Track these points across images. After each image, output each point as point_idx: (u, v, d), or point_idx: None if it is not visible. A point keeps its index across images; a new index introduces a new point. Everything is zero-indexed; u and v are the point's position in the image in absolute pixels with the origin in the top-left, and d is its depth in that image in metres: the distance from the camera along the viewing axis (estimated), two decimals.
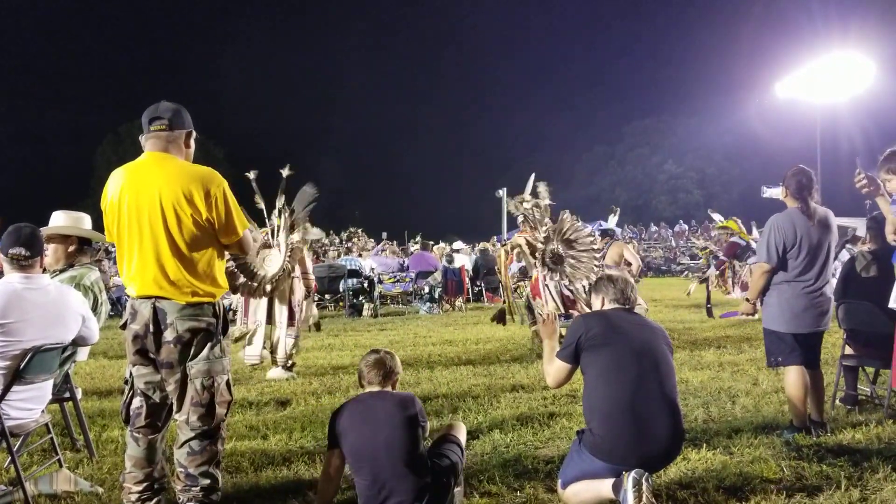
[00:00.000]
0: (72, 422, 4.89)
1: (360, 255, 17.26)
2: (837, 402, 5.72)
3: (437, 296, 14.98)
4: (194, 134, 3.56)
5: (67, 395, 4.67)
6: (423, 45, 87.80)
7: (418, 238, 24.44)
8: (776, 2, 63.25)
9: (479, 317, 13.73)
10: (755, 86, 47.28)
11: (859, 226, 8.12)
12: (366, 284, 15.05)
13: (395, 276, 15.60)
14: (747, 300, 4.97)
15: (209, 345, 3.37)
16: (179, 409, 3.38)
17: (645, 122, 63.44)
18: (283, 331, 7.84)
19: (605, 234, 10.78)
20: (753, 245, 13.85)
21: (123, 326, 3.43)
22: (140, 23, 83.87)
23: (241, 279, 7.36)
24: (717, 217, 16.01)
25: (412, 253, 18.92)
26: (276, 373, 7.73)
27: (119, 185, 3.36)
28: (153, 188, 3.28)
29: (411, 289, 15.48)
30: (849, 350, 5.67)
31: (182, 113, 3.47)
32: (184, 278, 3.29)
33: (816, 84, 39.45)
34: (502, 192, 40.31)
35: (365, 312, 14.18)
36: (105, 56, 77.13)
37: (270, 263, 7.53)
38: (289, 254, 7.51)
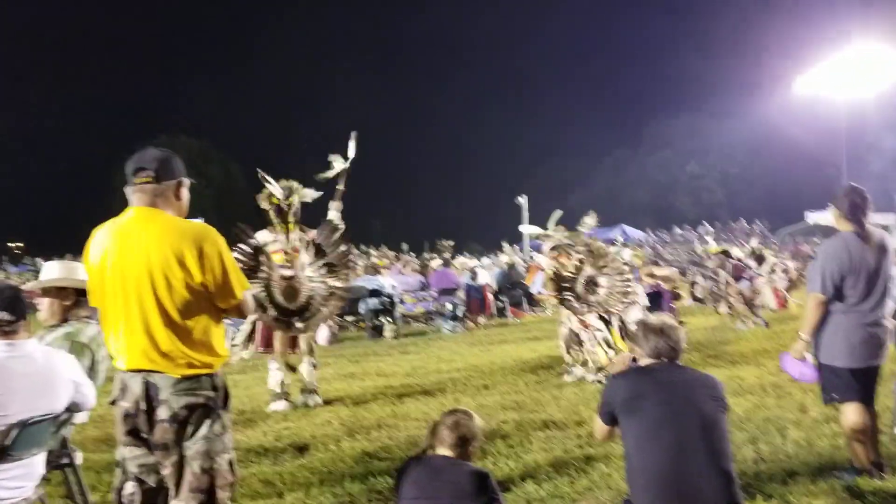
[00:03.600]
0: (74, 487, 4.56)
1: (378, 273, 16.88)
2: None
3: (459, 314, 14.62)
4: (187, 182, 3.19)
5: (66, 460, 4.36)
6: (438, 48, 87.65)
7: (447, 248, 23.64)
8: None
9: (503, 335, 13.39)
10: (777, 82, 46.64)
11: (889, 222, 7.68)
12: (387, 303, 14.71)
13: (416, 296, 15.26)
14: (801, 337, 4.54)
15: (208, 421, 3.01)
16: (177, 494, 3.02)
17: (666, 123, 62.81)
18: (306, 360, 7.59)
19: None
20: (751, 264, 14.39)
21: (113, 403, 3.09)
22: (164, 40, 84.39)
23: (272, 312, 7.00)
24: (711, 241, 16.10)
25: (433, 270, 18.55)
26: (305, 398, 7.53)
27: (102, 247, 3.02)
28: (139, 249, 2.93)
29: (433, 308, 15.14)
30: None
31: (171, 161, 3.10)
32: (177, 349, 2.94)
33: (840, 78, 38.85)
34: (523, 200, 40.18)
35: (387, 333, 13.84)
36: (125, 71, 77.56)
37: (297, 299, 7.12)
38: (327, 299, 7.17)
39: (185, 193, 3.18)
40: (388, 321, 14.22)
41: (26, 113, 64.88)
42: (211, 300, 3.05)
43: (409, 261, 23.76)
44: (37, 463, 3.71)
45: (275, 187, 7.18)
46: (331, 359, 11.09)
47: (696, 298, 15.36)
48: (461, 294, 15.02)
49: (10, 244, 53.01)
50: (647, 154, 62.52)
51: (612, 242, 32.33)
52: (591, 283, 8.20)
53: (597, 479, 4.68)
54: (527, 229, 14.13)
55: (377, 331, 13.99)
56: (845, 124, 41.13)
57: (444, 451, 3.29)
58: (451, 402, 7.26)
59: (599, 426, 3.44)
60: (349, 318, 14.94)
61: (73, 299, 4.46)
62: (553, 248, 8.57)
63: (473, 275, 15.01)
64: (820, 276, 4.34)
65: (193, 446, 2.99)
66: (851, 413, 4.36)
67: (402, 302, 14.84)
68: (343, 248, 7.50)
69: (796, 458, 4.92)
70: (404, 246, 41.13)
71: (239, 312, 3.20)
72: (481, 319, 14.95)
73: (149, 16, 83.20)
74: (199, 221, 3.38)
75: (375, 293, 14.54)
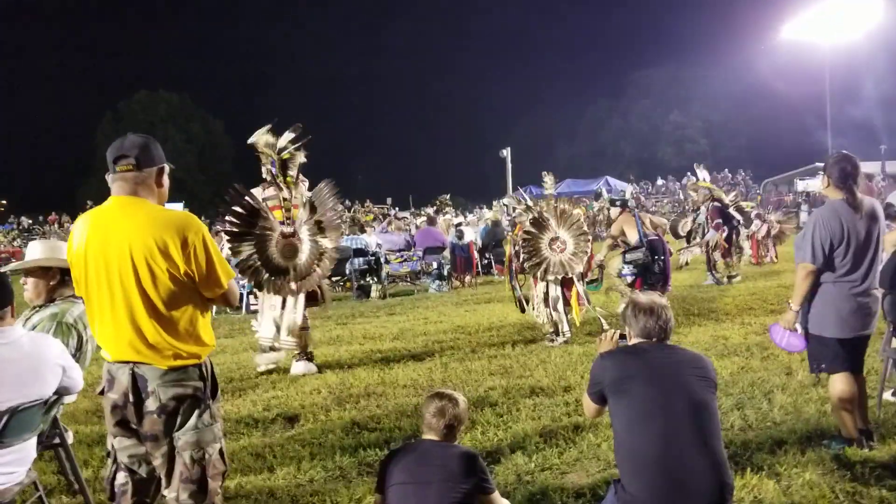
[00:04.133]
0: (66, 464, 4.55)
1: (363, 231, 16.78)
2: (886, 396, 5.31)
3: (445, 273, 14.61)
4: (167, 168, 3.12)
5: (58, 440, 4.34)
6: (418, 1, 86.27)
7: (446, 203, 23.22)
8: None
9: (489, 293, 13.38)
10: (761, 29, 46.37)
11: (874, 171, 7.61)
12: (373, 262, 14.63)
13: (402, 256, 15.21)
14: (790, 306, 4.53)
15: (197, 412, 2.99)
16: (168, 484, 3.01)
17: (648, 72, 62.45)
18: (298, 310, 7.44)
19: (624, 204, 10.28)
20: (735, 214, 13.93)
21: (101, 393, 3.06)
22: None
23: (266, 275, 6.91)
24: (702, 174, 15.12)
25: (418, 228, 18.47)
26: (299, 367, 7.42)
27: (84, 237, 2.96)
28: (122, 240, 2.88)
29: (419, 268, 15.09)
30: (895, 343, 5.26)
31: (151, 147, 3.03)
32: (163, 340, 2.91)
33: (823, 24, 38.69)
34: (506, 152, 39.97)
35: (373, 294, 13.82)
36: (105, 27, 76.05)
37: (296, 257, 7.03)
38: (318, 260, 7.09)
39: (166, 180, 3.12)
40: (374, 281, 14.21)
41: (6, 71, 63.74)
42: (196, 290, 3.01)
43: (394, 219, 23.62)
44: (29, 447, 3.69)
45: (283, 138, 7.10)
46: (317, 321, 11.05)
47: (677, 235, 15.24)
48: (446, 253, 14.98)
49: None
50: (630, 104, 62.24)
51: (597, 195, 32.35)
52: (556, 241, 8.37)
53: (585, 450, 4.70)
54: (509, 201, 14.01)
55: (363, 291, 13.97)
56: (829, 71, 41.02)
57: (431, 436, 3.29)
58: (438, 368, 7.28)
59: (588, 405, 3.43)
60: (335, 279, 14.87)
61: (59, 279, 4.40)
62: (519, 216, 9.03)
63: (459, 234, 14.94)
64: (810, 245, 4.30)
65: (183, 437, 2.98)
66: (839, 382, 4.38)
67: (387, 262, 14.78)
68: (337, 208, 7.44)
69: (784, 425, 4.96)
70: (388, 200, 40.93)
71: (225, 301, 3.16)
72: (467, 278, 14.94)
73: None
74: (179, 208, 3.33)
75: (361, 253, 14.48)
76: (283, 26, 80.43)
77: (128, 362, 2.94)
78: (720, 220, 13.41)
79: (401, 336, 9.38)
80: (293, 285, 7.10)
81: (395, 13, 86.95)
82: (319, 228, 7.18)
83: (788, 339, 4.55)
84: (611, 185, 39.10)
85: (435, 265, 14.75)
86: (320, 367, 7.64)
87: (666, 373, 3.15)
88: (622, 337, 3.52)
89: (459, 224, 16.29)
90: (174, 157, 3.22)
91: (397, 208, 37.72)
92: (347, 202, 37.36)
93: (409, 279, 15.47)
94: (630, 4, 77.65)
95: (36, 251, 4.45)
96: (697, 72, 57.75)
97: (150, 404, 2.93)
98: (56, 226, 40.13)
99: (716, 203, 13.78)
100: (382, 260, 14.61)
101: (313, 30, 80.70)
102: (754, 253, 15.97)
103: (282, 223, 7.05)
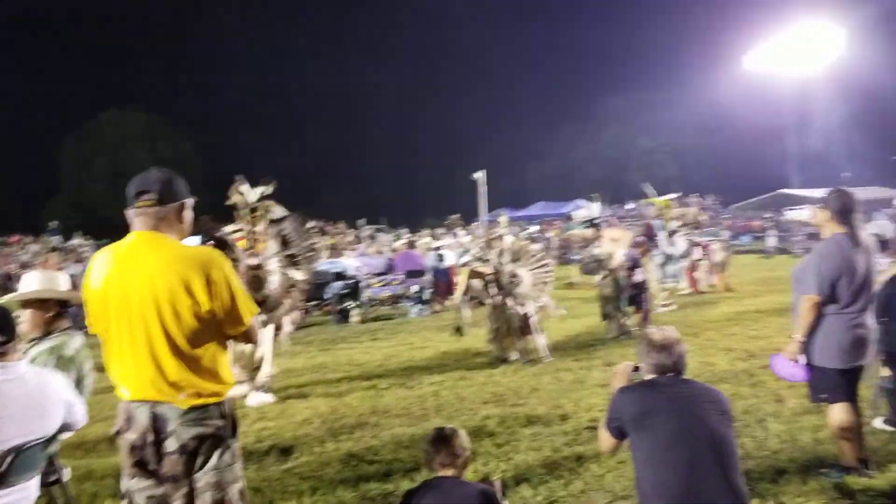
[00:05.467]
0: (61, 501, 4.43)
1: (340, 255, 16.74)
2: (876, 424, 5.39)
3: (426, 297, 14.57)
4: (190, 202, 3.08)
5: (54, 477, 4.23)
6: (384, 20, 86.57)
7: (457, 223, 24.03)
8: None
9: (473, 316, 13.31)
10: (726, 58, 47.31)
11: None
12: (352, 286, 14.53)
13: (383, 280, 15.15)
14: (795, 338, 4.58)
15: (218, 452, 2.93)
16: None
17: (616, 98, 63.25)
18: (267, 347, 7.49)
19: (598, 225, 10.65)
20: (661, 238, 13.64)
21: (117, 433, 2.99)
22: (113, 11, 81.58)
23: None
24: (649, 191, 14.64)
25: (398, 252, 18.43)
26: (256, 399, 7.31)
27: (104, 273, 2.91)
28: (144, 277, 2.83)
29: (400, 291, 15.04)
30: (884, 372, 5.35)
31: (174, 183, 2.99)
32: (185, 379, 2.85)
33: (787, 54, 39.62)
34: (479, 175, 39.99)
35: (353, 318, 13.74)
36: (74, 43, 75.09)
37: (263, 289, 7.05)
38: (288, 291, 7.08)
39: (189, 215, 3.08)
40: (354, 305, 14.12)
41: None
42: (218, 327, 2.96)
43: (372, 241, 23.62)
44: (31, 487, 3.59)
45: (251, 194, 7.14)
46: (299, 346, 10.97)
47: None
48: (428, 277, 14.95)
49: None
50: (599, 129, 62.92)
51: (568, 217, 32.46)
52: (513, 277, 8.89)
53: (590, 481, 4.70)
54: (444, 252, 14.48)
55: (343, 315, 13.88)
56: (793, 99, 41.88)
57: (447, 472, 3.31)
58: (430, 396, 7.23)
59: (606, 439, 3.43)
60: (313, 303, 14.76)
61: (55, 311, 4.32)
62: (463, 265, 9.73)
63: (440, 257, 14.95)
64: (816, 277, 4.38)
65: (204, 477, 2.91)
66: (840, 412, 4.44)
67: (368, 286, 14.71)
68: (309, 241, 7.45)
69: (781, 453, 4.99)
70: (360, 221, 40.64)
71: (246, 338, 3.10)
72: (448, 302, 14.92)
73: None
74: (196, 242, 3.30)
75: (340, 276, 14.41)
76: (255, 42, 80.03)
77: (147, 401, 2.88)
78: (644, 238, 13.03)
79: (386, 363, 9.32)
80: (262, 317, 7.11)
81: (366, 33, 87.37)
82: (292, 261, 7.22)
83: (791, 370, 4.60)
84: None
85: (416, 289, 14.70)
86: (308, 395, 7.58)
87: (686, 407, 3.18)
88: (636, 369, 3.53)
89: (439, 247, 16.27)
90: None
91: (373, 227, 37.43)
92: (320, 222, 37.11)
93: (389, 303, 15.41)
94: (599, 29, 78.65)
95: (33, 282, 4.36)
96: (665, 98, 58.58)
97: (170, 444, 2.87)
98: (18, 247, 39.31)
99: (655, 221, 13.52)
100: (362, 283, 14.55)
101: (286, 48, 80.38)
102: (691, 282, 15.12)
103: (245, 253, 7.07)
